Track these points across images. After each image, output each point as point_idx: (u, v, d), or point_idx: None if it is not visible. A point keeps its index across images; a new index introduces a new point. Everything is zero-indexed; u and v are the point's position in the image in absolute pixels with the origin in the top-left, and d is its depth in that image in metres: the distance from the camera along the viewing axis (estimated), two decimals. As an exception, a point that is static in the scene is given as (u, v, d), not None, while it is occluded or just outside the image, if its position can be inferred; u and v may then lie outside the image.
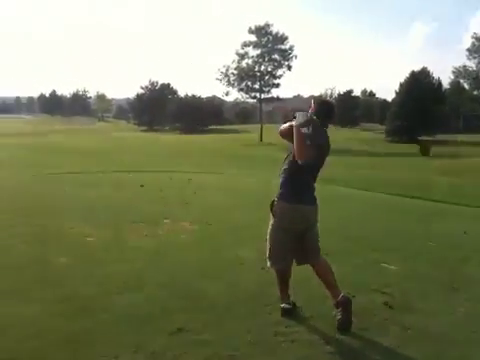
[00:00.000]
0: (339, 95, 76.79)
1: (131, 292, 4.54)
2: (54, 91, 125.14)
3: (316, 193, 4.14)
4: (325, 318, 4.06)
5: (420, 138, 50.80)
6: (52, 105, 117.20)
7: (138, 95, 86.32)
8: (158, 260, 5.62)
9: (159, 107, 78.93)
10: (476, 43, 71.99)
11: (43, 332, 3.66)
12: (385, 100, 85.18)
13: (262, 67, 56.62)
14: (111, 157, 23.97)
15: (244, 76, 56.23)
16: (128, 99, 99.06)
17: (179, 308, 4.20)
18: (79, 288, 4.60)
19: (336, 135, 44.27)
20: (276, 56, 56.30)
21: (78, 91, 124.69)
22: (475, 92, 73.31)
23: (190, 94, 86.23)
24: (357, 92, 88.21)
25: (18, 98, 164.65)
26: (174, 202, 9.32)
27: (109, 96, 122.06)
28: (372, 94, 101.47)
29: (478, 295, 4.76)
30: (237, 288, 4.73)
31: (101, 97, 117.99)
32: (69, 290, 4.54)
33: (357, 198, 11.27)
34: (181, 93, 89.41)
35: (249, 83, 56.84)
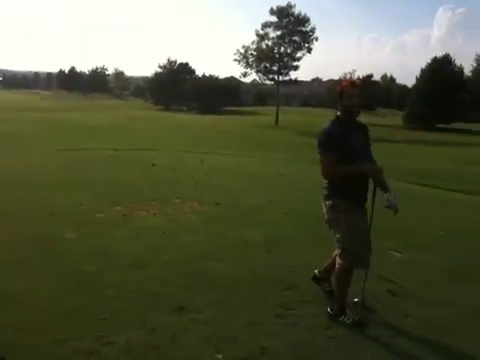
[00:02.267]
0: (359, 79, 75.69)
1: (136, 269, 4.59)
2: (73, 67, 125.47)
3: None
4: (327, 303, 4.06)
5: (437, 126, 50.10)
6: (70, 81, 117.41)
7: (156, 74, 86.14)
8: (165, 239, 5.64)
9: (176, 86, 78.73)
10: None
11: (48, 306, 3.73)
12: (405, 86, 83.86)
13: (282, 49, 56.02)
14: (125, 135, 24.04)
15: (263, 57, 55.70)
16: (146, 77, 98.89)
17: (182, 287, 4.24)
18: (85, 264, 4.65)
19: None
20: (296, 38, 55.62)
21: (97, 68, 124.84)
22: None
23: (208, 74, 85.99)
24: (377, 77, 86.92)
25: (37, 73, 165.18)
26: (185, 182, 9.33)
27: (127, 74, 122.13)
28: (392, 79, 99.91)
29: (484, 286, 4.70)
30: (241, 270, 4.74)
31: (119, 75, 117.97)
32: (76, 265, 4.60)
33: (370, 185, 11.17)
34: (199, 72, 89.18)
35: (267, 65, 56.33)
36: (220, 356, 3.18)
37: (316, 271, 4.29)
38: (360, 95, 3.79)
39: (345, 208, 3.71)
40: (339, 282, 3.84)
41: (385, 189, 3.76)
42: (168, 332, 3.43)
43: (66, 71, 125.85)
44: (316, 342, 3.44)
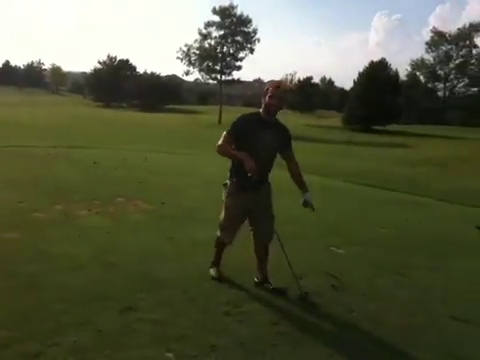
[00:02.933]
0: (299, 81, 77.19)
1: (80, 270, 4.46)
2: (7, 61, 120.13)
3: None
4: (275, 299, 4.15)
5: (374, 128, 51.89)
6: (5, 76, 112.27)
7: (95, 70, 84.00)
8: (110, 239, 5.53)
9: (117, 83, 77.11)
10: (435, 37, 74.12)
11: (-13, 308, 3.56)
12: (343, 89, 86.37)
13: (224, 48, 56.17)
14: (65, 132, 23.30)
15: (206, 56, 55.64)
16: (84, 73, 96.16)
17: (130, 288, 4.16)
18: (27, 265, 4.47)
19: (294, 121, 44.57)
20: (239, 38, 55.94)
21: (32, 62, 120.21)
22: (430, 85, 75.65)
23: (149, 71, 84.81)
24: (316, 79, 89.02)
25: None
26: (128, 180, 9.19)
27: (65, 69, 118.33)
28: (331, 82, 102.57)
29: (421, 281, 4.95)
30: (189, 269, 4.73)
31: (56, 70, 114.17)
32: (17, 267, 4.41)
33: (313, 184, 11.43)
34: (140, 70, 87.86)
35: (210, 64, 56.32)
36: (170, 355, 3.16)
37: (255, 278, 4.51)
38: (284, 98, 4.17)
39: (230, 191, 4.27)
40: (215, 249, 4.59)
41: (304, 190, 4.28)
42: (116, 333, 3.37)
43: (0, 65, 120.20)
44: (264, 338, 3.49)
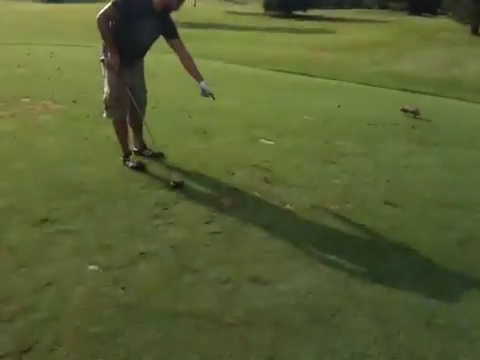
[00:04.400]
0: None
1: (-17, 181, 3.96)
2: None
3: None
4: (205, 198, 3.93)
5: (294, 13, 50.75)
6: None
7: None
8: (17, 144, 4.96)
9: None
10: None
11: None
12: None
13: None
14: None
15: None
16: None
17: (43, 196, 3.76)
18: None
19: (213, 8, 42.45)
20: None
21: None
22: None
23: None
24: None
25: None
26: (34, 79, 8.29)
27: None
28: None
29: (351, 167, 4.87)
30: (109, 171, 4.34)
31: None
32: None
33: (236, 73, 10.98)
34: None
35: None
36: (95, 267, 2.87)
37: (134, 148, 4.71)
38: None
39: (110, 65, 4.16)
40: (118, 135, 4.48)
41: (198, 79, 4.17)
42: (31, 248, 3.02)
43: None
44: (196, 240, 3.28)
